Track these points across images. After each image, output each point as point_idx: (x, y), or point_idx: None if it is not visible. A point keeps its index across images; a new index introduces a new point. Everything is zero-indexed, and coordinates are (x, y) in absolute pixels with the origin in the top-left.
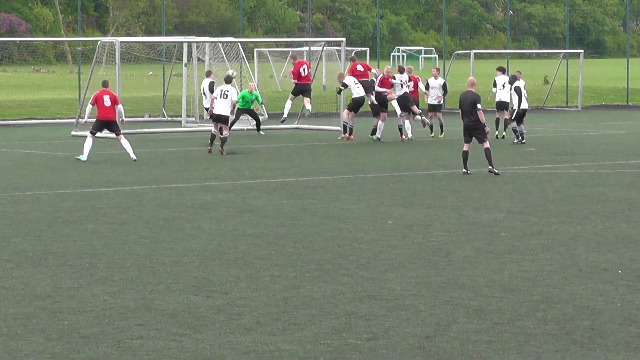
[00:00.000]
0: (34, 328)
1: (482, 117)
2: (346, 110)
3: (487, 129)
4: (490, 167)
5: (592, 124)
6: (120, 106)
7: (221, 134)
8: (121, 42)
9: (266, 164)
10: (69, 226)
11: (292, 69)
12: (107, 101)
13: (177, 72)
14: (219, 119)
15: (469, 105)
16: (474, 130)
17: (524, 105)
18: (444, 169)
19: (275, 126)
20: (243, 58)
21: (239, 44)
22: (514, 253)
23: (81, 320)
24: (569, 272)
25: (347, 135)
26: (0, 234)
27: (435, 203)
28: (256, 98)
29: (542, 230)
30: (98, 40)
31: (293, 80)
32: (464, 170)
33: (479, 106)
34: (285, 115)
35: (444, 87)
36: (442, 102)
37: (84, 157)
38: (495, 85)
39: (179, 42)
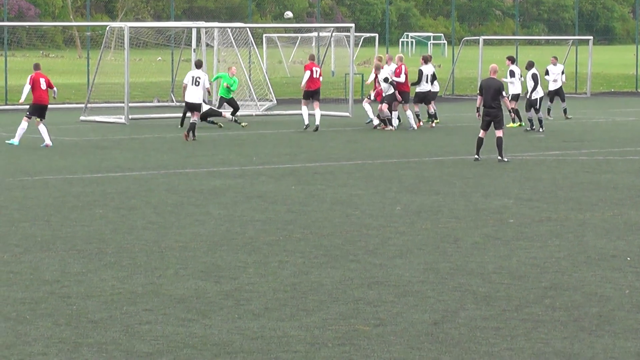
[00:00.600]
0: (43, 313)
1: (507, 104)
2: (385, 105)
3: (512, 115)
4: (500, 157)
5: (601, 111)
6: (55, 89)
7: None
8: (130, 27)
9: (274, 149)
10: (78, 211)
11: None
12: (43, 84)
13: (186, 57)
14: (193, 108)
15: (492, 93)
16: (494, 117)
17: (540, 93)
18: (452, 155)
19: (284, 112)
20: (252, 43)
21: (247, 29)
22: (522, 240)
23: (89, 305)
24: (578, 259)
25: (384, 126)
26: (9, 219)
27: (444, 189)
28: (233, 84)
29: (551, 217)
30: (107, 26)
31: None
32: (476, 156)
33: (503, 93)
34: (306, 121)
35: (433, 75)
36: (436, 89)
37: (15, 141)
38: (512, 75)
39: (187, 28)
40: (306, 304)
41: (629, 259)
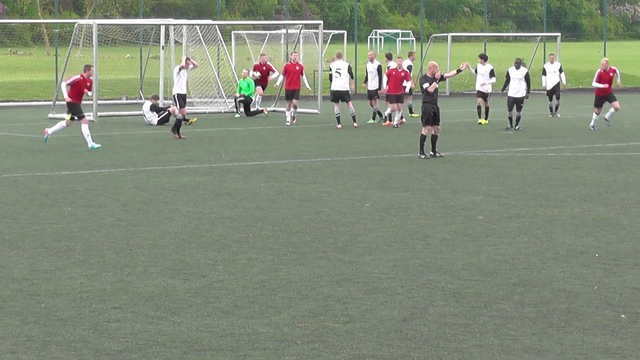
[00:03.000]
0: (11, 311)
1: (432, 88)
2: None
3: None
4: (432, 152)
5: (569, 107)
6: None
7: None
8: (98, 24)
9: (244, 146)
10: (46, 209)
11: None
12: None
13: (155, 54)
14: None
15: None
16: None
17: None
18: None
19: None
20: (220, 41)
21: (216, 26)
22: (491, 236)
23: (58, 303)
24: (546, 255)
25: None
26: None
27: (413, 186)
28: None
29: (519, 214)
30: (75, 23)
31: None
32: (420, 154)
33: (424, 86)
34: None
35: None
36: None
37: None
38: (476, 72)
39: (156, 25)
40: (275, 301)
41: (597, 255)
